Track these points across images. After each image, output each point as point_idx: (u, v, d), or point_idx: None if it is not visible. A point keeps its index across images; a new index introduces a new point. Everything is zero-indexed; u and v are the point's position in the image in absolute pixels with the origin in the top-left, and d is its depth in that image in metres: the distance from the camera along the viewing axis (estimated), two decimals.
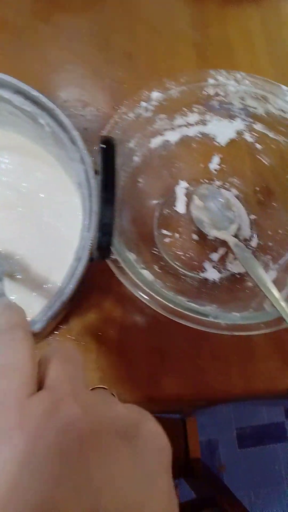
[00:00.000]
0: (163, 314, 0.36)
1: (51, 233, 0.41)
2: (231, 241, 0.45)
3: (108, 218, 0.30)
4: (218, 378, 0.45)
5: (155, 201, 0.50)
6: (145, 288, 0.37)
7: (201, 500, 0.70)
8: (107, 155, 0.32)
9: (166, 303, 0.36)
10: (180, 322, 0.36)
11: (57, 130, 0.38)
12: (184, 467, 0.81)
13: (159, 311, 0.36)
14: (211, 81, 0.44)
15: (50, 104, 0.38)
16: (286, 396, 0.48)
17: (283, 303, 0.36)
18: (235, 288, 0.46)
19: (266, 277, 0.39)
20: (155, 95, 0.43)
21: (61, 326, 0.45)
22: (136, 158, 0.47)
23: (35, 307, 0.36)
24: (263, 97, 0.44)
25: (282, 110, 0.44)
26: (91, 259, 0.32)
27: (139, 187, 0.48)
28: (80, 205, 0.42)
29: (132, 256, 0.41)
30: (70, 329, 0.45)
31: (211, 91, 0.45)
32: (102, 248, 0.30)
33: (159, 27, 0.59)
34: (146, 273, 0.40)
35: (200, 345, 0.46)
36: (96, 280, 0.46)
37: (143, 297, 0.37)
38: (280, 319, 0.36)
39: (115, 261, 0.37)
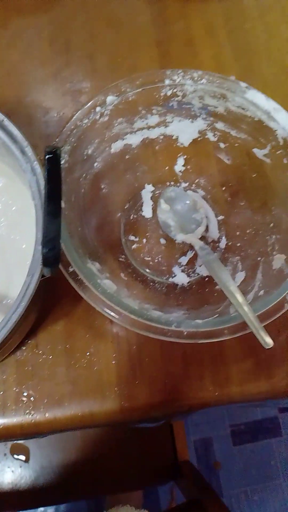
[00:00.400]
0: (125, 326, 0.36)
1: (8, 246, 0.40)
2: (197, 244, 0.44)
3: (53, 232, 0.29)
4: (192, 384, 0.45)
5: (121, 207, 0.49)
6: (105, 300, 0.36)
7: (188, 504, 0.69)
8: (52, 165, 0.31)
9: (128, 314, 0.35)
10: (142, 333, 0.35)
11: (7, 141, 0.37)
12: (173, 470, 0.81)
13: (120, 324, 0.35)
14: (167, 81, 0.43)
15: None
16: (268, 398, 0.47)
17: (246, 308, 0.35)
18: (204, 292, 0.45)
19: (230, 281, 0.38)
20: (110, 99, 0.42)
21: (28, 341, 0.44)
22: (97, 165, 0.46)
23: None
24: (222, 95, 0.43)
25: (242, 107, 0.43)
26: (42, 275, 0.31)
27: (103, 194, 0.47)
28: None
29: (95, 266, 0.40)
30: (38, 343, 0.44)
31: (169, 92, 0.44)
32: (48, 264, 0.29)
33: (120, 26, 0.58)
34: (108, 283, 0.39)
35: (171, 350, 0.45)
36: (64, 289, 0.45)
37: (103, 309, 0.36)
38: (244, 324, 0.35)
39: (74, 274, 0.36)
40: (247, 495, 1.15)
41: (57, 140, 0.40)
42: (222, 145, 0.47)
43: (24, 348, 0.43)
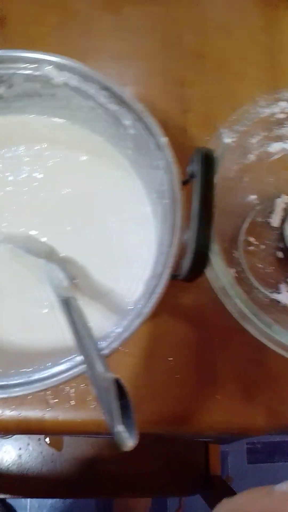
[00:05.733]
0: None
1: (115, 242, 0.39)
2: None
3: (204, 239, 0.28)
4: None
5: (252, 206, 0.46)
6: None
7: None
8: (207, 170, 0.29)
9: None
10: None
11: (143, 133, 0.34)
12: (203, 481, 0.80)
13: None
14: None
15: (137, 106, 0.34)
16: None
17: None
18: None
19: None
20: None
21: None
22: (251, 156, 0.43)
23: (96, 316, 0.36)
24: None
25: None
26: (173, 276, 0.30)
27: (242, 186, 0.45)
28: (151, 215, 0.39)
29: None
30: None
31: None
32: (194, 271, 0.28)
33: (231, 29, 0.55)
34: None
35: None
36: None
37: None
38: None
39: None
40: None
41: (233, 116, 0.38)
42: None
43: None
